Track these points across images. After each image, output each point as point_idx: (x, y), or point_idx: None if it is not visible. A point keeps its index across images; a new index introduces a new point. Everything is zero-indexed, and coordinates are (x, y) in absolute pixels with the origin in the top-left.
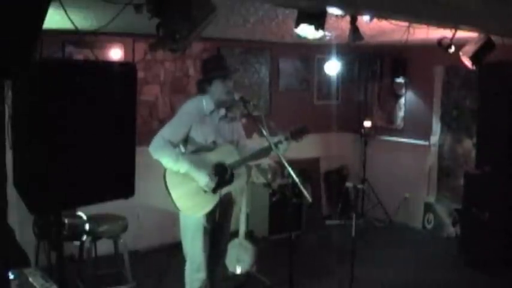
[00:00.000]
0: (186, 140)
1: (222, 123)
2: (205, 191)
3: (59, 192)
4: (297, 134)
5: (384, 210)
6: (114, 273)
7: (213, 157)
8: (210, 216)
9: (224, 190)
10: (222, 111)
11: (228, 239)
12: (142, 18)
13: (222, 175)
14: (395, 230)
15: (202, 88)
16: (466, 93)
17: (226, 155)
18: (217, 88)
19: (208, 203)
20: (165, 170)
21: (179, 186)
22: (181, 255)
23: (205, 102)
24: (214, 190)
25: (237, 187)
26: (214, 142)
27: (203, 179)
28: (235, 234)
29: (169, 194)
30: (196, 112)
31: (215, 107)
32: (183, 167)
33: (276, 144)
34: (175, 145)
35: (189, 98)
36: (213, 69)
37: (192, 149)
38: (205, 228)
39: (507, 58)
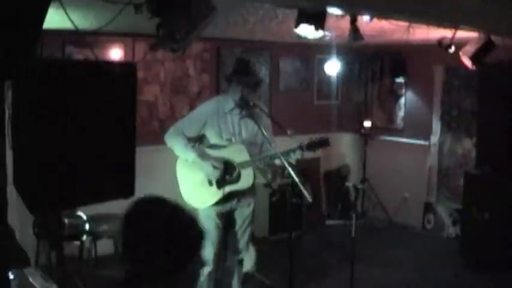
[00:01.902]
0: (201, 139)
1: (243, 122)
2: (210, 184)
3: (59, 192)
4: (315, 146)
5: (384, 210)
6: (114, 273)
7: (223, 154)
8: (222, 214)
9: (228, 188)
10: (245, 111)
11: (244, 239)
12: (142, 18)
13: (229, 173)
14: (395, 230)
15: (227, 82)
16: (466, 93)
17: (236, 154)
18: (233, 89)
19: (210, 197)
20: (177, 160)
21: (187, 176)
22: None
23: (227, 100)
24: (219, 186)
25: (243, 187)
26: (230, 140)
27: (208, 168)
28: None
29: (178, 183)
30: (216, 109)
31: (235, 105)
32: (190, 156)
33: (288, 152)
34: (188, 137)
35: (189, 97)
36: (235, 71)
37: (208, 144)
38: (216, 225)
39: (507, 58)
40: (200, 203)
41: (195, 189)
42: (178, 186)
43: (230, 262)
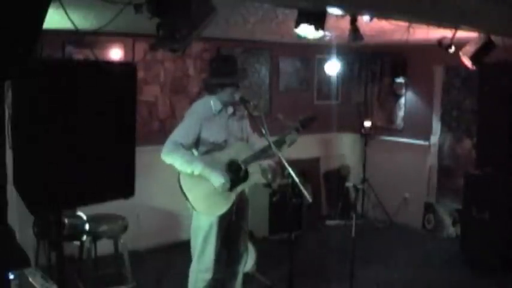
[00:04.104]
0: (197, 142)
1: (231, 121)
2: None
3: (59, 192)
4: (306, 122)
5: (384, 210)
6: (114, 273)
7: (226, 155)
8: (224, 216)
9: (239, 188)
10: (230, 110)
11: (247, 239)
12: (142, 18)
13: (236, 173)
14: (395, 230)
15: (211, 89)
16: (466, 93)
17: (239, 152)
18: (228, 92)
19: (226, 202)
20: (179, 173)
21: (195, 188)
22: (182, 255)
23: (213, 102)
24: (231, 188)
25: (252, 184)
26: (225, 141)
27: (218, 180)
28: None
29: (186, 196)
30: (205, 112)
31: (223, 106)
32: (197, 168)
33: (285, 135)
34: (187, 148)
35: (189, 97)
36: (227, 75)
37: (204, 150)
38: (219, 230)
39: (507, 58)
40: (217, 211)
41: (208, 198)
42: (185, 198)
43: (232, 268)
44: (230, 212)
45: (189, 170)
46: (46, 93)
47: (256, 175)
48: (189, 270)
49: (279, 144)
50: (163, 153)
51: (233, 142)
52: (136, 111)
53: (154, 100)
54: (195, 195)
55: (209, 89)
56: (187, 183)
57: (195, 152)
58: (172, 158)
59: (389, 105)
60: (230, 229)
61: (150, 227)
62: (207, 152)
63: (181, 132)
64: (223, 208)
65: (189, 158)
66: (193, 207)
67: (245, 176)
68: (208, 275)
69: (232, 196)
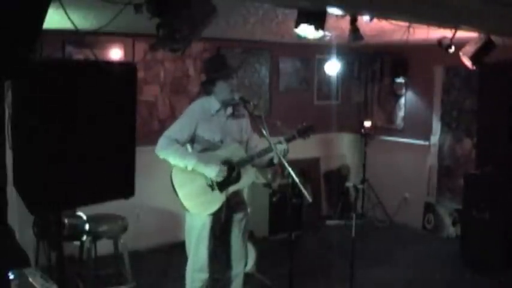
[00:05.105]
0: (193, 140)
1: (230, 122)
2: (212, 189)
3: (59, 192)
4: (303, 132)
5: (383, 210)
6: (114, 273)
7: (219, 155)
8: (217, 216)
9: (231, 189)
10: (229, 110)
11: (244, 242)
12: (142, 18)
13: (228, 173)
14: (395, 230)
15: (206, 89)
16: (466, 94)
17: (233, 153)
18: (221, 88)
19: (215, 202)
20: (171, 169)
21: (186, 185)
22: (181, 255)
23: (211, 102)
24: (221, 188)
25: (244, 186)
26: (221, 141)
27: (213, 170)
28: None
29: (176, 193)
30: (202, 111)
31: (221, 106)
32: (190, 162)
33: (281, 142)
34: (182, 143)
35: (189, 97)
36: (216, 70)
37: (199, 148)
38: (212, 229)
39: (507, 58)
40: (206, 210)
41: (198, 197)
42: (175, 195)
43: (232, 269)
44: (220, 212)
45: (182, 164)
46: (46, 93)
47: (249, 178)
48: (185, 270)
49: (266, 152)
50: (157, 148)
51: (229, 143)
52: (137, 111)
53: (154, 100)
54: (185, 192)
55: (205, 89)
56: (179, 180)
57: (189, 149)
58: (166, 152)
59: (389, 105)
60: (227, 230)
61: (150, 227)
62: (201, 151)
63: (176, 129)
64: (212, 207)
65: (182, 153)
66: (182, 205)
67: (237, 178)
68: (203, 275)
69: (223, 196)
